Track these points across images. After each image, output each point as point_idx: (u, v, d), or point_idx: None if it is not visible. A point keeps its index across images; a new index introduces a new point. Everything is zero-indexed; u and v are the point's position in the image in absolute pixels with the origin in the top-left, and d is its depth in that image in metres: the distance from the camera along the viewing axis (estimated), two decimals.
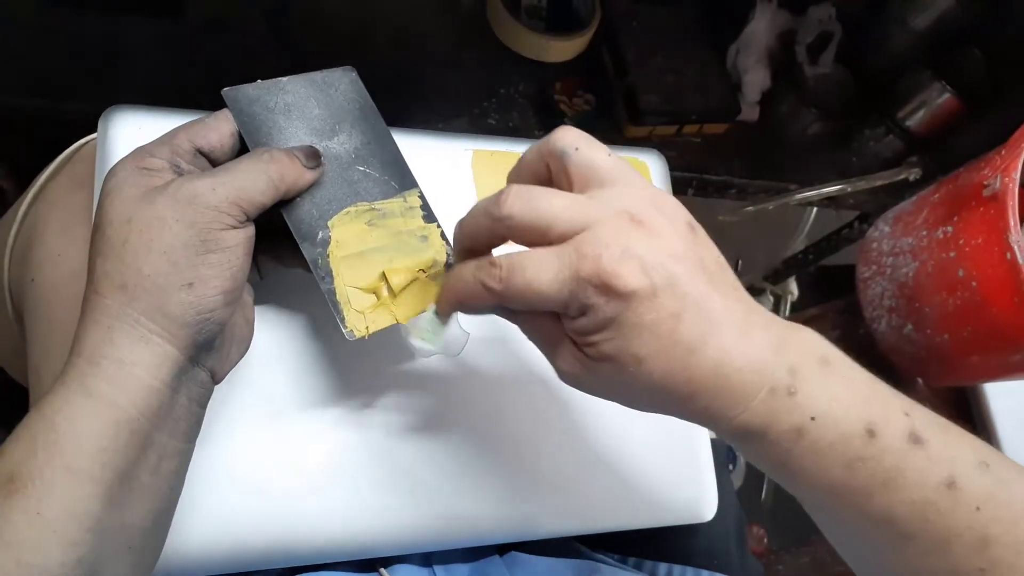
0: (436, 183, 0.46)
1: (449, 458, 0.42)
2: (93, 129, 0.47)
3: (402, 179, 0.39)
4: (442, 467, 0.42)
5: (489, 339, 0.45)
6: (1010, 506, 0.30)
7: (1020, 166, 0.62)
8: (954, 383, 0.83)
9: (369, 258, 0.37)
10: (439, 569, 0.44)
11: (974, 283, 0.65)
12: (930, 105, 0.76)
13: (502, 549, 0.47)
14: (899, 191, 0.82)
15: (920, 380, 0.84)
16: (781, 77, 0.80)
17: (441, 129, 0.49)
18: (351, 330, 0.35)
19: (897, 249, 0.74)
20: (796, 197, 0.78)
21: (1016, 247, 0.60)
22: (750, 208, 0.80)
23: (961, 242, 0.66)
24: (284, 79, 0.38)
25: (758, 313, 0.32)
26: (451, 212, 0.46)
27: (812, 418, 0.30)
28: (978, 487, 0.30)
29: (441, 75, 0.74)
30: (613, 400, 0.33)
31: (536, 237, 0.31)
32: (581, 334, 0.31)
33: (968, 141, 0.76)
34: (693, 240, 0.31)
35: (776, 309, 0.96)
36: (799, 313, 0.95)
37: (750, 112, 0.79)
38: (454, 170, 0.47)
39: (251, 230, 0.33)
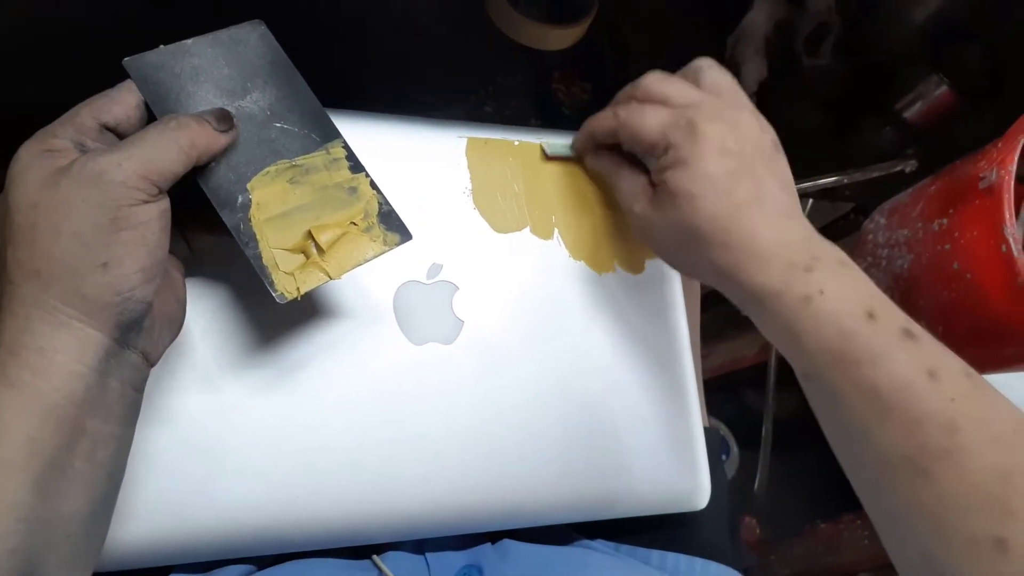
0: (429, 170, 0.46)
1: (440, 445, 0.42)
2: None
3: (324, 131, 0.38)
4: (433, 454, 0.42)
5: (484, 327, 0.45)
6: (982, 407, 0.34)
7: (1016, 159, 0.62)
8: None
9: (294, 217, 0.36)
10: (431, 556, 0.44)
11: (969, 276, 0.65)
12: (927, 97, 0.76)
13: (494, 536, 0.47)
14: (895, 183, 0.82)
15: None
16: (779, 68, 0.79)
17: (435, 116, 0.48)
18: (281, 293, 0.35)
19: (892, 241, 0.74)
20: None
21: (1011, 240, 0.60)
22: None
23: (956, 235, 0.66)
24: (189, 41, 0.37)
25: (800, 212, 0.40)
26: (444, 200, 0.46)
27: (820, 291, 0.36)
28: (957, 384, 0.34)
29: (438, 63, 0.74)
30: (667, 248, 0.43)
31: (659, 101, 0.41)
32: (659, 170, 0.40)
33: (965, 134, 0.76)
34: (771, 143, 0.40)
35: None
36: None
37: None
38: (448, 157, 0.47)
39: (165, 203, 0.32)
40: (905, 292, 0.73)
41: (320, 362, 0.41)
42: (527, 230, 0.48)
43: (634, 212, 0.43)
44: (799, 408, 1.08)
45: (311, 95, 0.39)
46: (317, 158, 0.37)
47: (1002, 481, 0.32)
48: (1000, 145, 0.64)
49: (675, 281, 0.52)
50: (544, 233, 0.48)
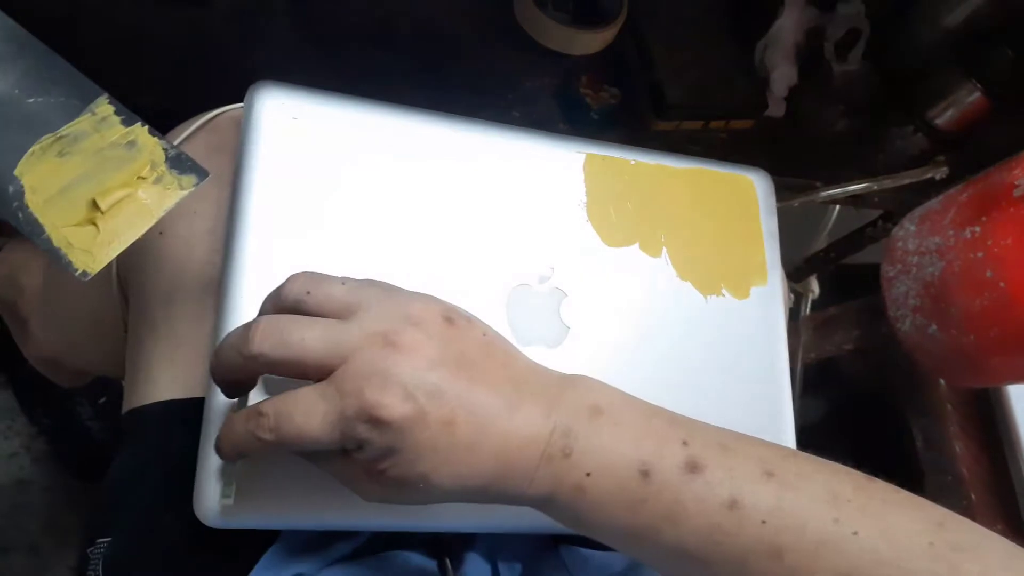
0: (547, 181, 0.47)
1: None
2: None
3: (84, 93, 0.36)
4: None
5: (588, 336, 0.46)
6: (795, 513, 0.31)
7: None
8: (977, 384, 0.83)
9: (75, 190, 0.34)
10: (502, 565, 0.44)
11: (1002, 284, 0.64)
12: (959, 104, 0.76)
13: (557, 542, 0.47)
14: (925, 190, 0.81)
15: (942, 381, 0.84)
16: (808, 74, 0.79)
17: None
18: (82, 270, 0.33)
19: (923, 248, 0.74)
20: (822, 194, 0.78)
21: None
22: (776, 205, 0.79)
23: (990, 243, 0.65)
24: None
25: (530, 381, 0.33)
26: (560, 210, 0.47)
27: (588, 474, 0.31)
28: (762, 500, 0.31)
29: (465, 67, 0.74)
30: (430, 503, 0.33)
31: (294, 372, 0.31)
32: (364, 464, 0.31)
33: (997, 140, 0.76)
34: (450, 337, 0.32)
35: (797, 308, 0.95)
36: (820, 312, 0.95)
37: (777, 108, 0.79)
38: (566, 170, 0.48)
39: None
40: (936, 299, 0.72)
41: None
42: (636, 246, 0.48)
43: (368, 499, 0.33)
44: (825, 417, 1.07)
45: (61, 60, 0.36)
46: (83, 123, 0.35)
47: None
48: None
49: (779, 310, 0.52)
50: (653, 251, 0.49)
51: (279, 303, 0.33)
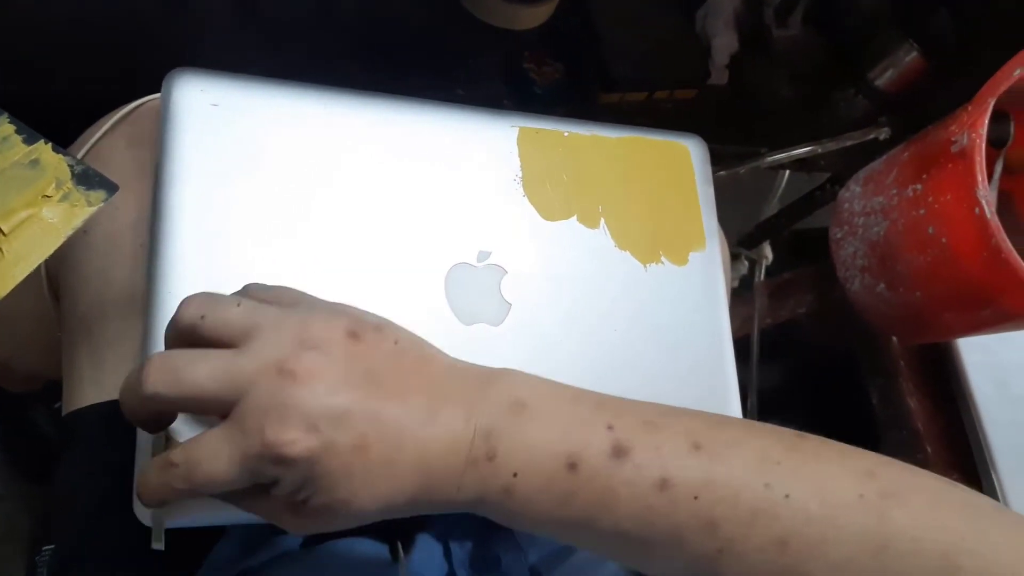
0: (481, 158, 0.47)
1: None
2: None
3: None
4: None
5: (530, 311, 0.46)
6: (727, 483, 0.31)
7: (986, 122, 0.62)
8: (927, 340, 0.84)
9: None
10: (454, 545, 0.44)
11: (944, 240, 0.65)
12: (898, 65, 0.76)
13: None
14: (869, 151, 0.82)
15: (894, 339, 0.85)
16: (749, 41, 0.79)
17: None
18: None
19: (868, 209, 0.75)
20: (767, 160, 0.78)
21: (984, 202, 0.61)
22: (722, 173, 0.80)
23: (930, 199, 0.66)
24: None
25: (448, 384, 0.32)
26: (495, 187, 0.46)
27: (515, 474, 0.31)
28: (692, 475, 0.31)
29: (409, 45, 0.73)
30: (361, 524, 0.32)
31: (195, 410, 0.30)
32: (286, 498, 0.30)
33: (937, 100, 0.76)
34: (354, 354, 0.30)
35: (751, 274, 0.96)
36: (774, 278, 0.96)
37: (719, 76, 0.79)
38: (500, 146, 0.48)
39: None
40: (882, 259, 0.73)
41: None
42: (574, 219, 0.48)
43: (297, 533, 0.34)
44: (783, 381, 1.09)
45: None
46: None
47: (781, 551, 0.31)
48: (970, 109, 0.64)
49: (719, 275, 0.52)
50: (591, 223, 0.49)
51: (177, 330, 0.31)
